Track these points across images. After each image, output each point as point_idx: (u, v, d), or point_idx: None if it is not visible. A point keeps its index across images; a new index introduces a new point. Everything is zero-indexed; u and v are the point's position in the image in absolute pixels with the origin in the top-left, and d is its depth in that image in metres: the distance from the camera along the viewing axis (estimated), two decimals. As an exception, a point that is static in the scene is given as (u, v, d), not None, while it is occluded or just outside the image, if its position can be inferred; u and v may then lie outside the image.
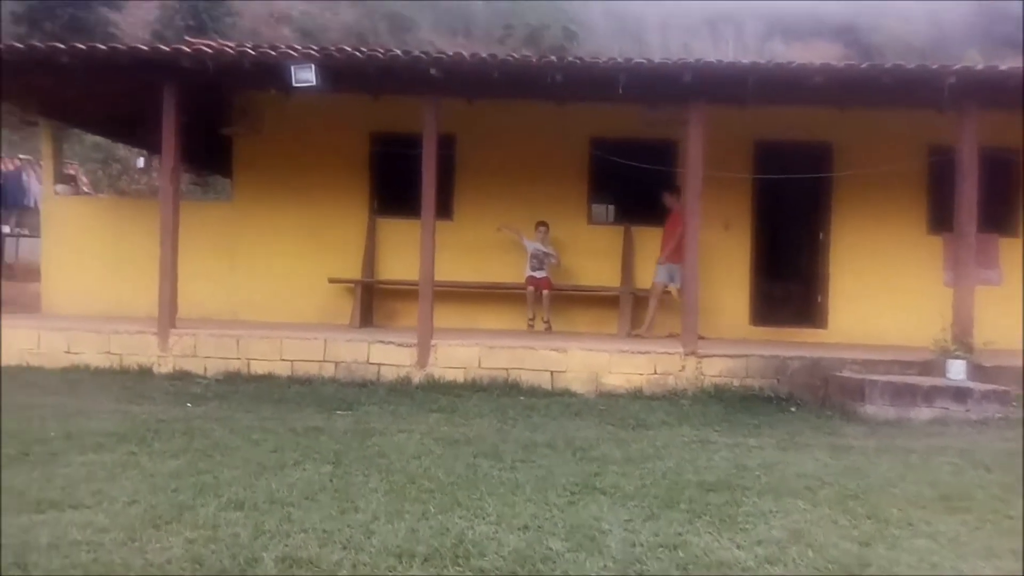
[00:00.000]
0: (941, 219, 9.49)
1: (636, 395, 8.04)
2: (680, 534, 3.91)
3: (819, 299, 10.54)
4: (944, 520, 4.27)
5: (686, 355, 8.24)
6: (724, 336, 9.76)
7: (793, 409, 7.59)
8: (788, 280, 11.07)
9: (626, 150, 9.67)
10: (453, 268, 9.69)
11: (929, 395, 7.23)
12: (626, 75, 8.05)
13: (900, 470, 5.34)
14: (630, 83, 8.06)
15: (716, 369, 8.21)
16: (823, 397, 7.89)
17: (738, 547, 3.77)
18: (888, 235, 10.23)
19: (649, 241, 10.29)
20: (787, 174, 9.57)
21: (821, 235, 10.52)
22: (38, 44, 8.71)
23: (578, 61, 8.49)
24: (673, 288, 9.56)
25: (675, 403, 7.73)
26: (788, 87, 8.30)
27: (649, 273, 10.15)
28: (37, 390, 7.32)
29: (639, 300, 10.13)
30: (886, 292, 10.11)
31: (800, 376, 8.12)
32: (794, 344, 9.44)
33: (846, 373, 7.91)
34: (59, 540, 3.55)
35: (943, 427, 6.88)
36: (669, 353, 8.30)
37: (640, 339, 9.37)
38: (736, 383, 8.13)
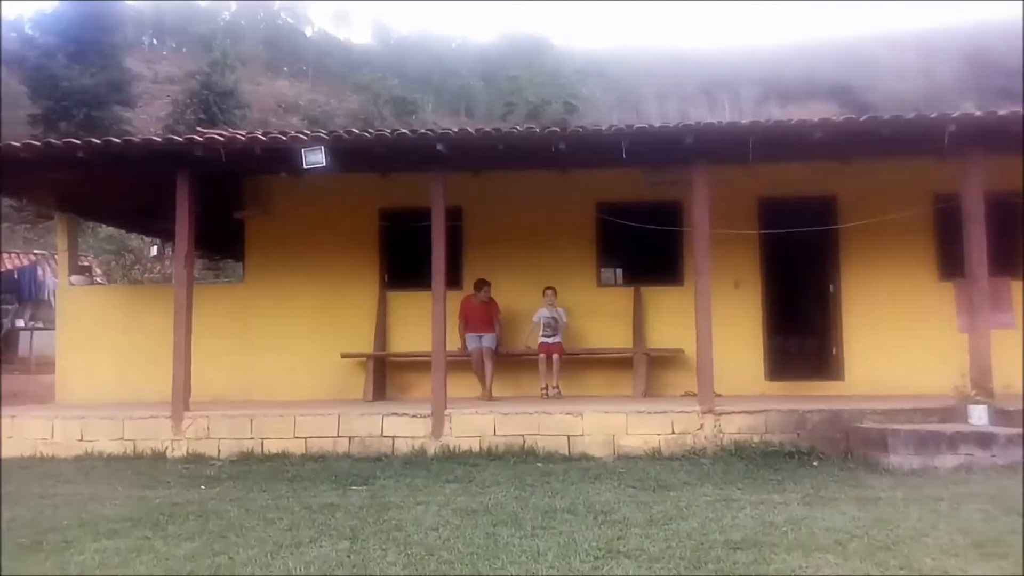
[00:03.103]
0: (951, 265, 9.45)
1: (655, 456, 7.92)
2: (708, 594, 3.81)
3: (834, 351, 10.45)
4: (980, 567, 4.16)
5: (703, 413, 8.15)
6: (740, 393, 9.64)
7: (815, 463, 7.45)
8: (802, 334, 10.99)
9: (632, 213, 9.77)
10: (464, 337, 9.67)
11: (953, 442, 7.11)
12: (629, 140, 8.14)
13: (930, 519, 5.22)
14: (633, 148, 8.15)
15: (735, 426, 8.10)
16: (845, 450, 7.76)
17: (768, 604, 3.66)
18: (899, 284, 10.18)
19: (659, 301, 10.32)
20: (792, 228, 9.59)
21: (831, 287, 10.49)
22: (54, 141, 8.88)
23: (581, 129, 8.61)
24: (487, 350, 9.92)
25: (695, 462, 7.60)
26: (789, 144, 8.38)
27: (662, 333, 10.14)
28: (51, 480, 7.26)
29: (652, 360, 10.07)
30: (901, 341, 10.01)
31: (820, 429, 7.99)
32: (812, 397, 9.31)
33: (867, 424, 7.78)
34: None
35: (970, 474, 6.76)
36: (686, 412, 8.20)
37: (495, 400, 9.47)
38: (756, 439, 8.01)
